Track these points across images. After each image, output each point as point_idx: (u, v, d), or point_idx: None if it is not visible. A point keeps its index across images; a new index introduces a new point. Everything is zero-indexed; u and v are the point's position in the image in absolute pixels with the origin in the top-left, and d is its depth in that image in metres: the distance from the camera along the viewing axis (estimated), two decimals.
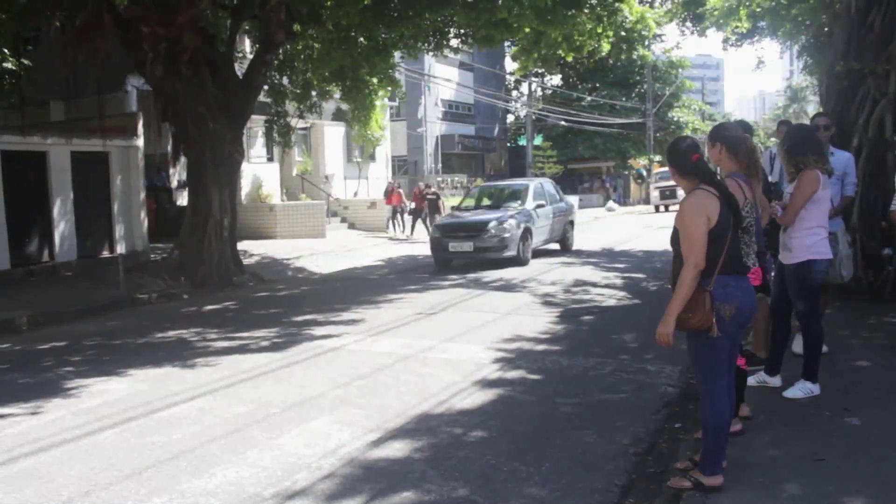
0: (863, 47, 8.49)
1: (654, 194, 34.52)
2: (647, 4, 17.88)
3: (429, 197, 22.13)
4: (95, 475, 4.40)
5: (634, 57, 35.84)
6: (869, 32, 8.48)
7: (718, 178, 3.89)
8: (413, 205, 22.80)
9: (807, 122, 12.45)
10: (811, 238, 4.89)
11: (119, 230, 15.09)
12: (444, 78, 34.52)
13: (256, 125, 19.27)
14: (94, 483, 4.29)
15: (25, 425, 5.41)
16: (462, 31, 16.21)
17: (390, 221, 22.97)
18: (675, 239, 3.78)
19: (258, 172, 21.98)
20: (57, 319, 9.89)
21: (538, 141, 41.06)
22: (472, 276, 12.91)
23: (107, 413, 5.61)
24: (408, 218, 22.89)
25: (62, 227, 13.84)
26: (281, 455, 4.62)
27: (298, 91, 17.06)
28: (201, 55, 12.50)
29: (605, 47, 15.51)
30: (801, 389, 5.02)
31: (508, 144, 47.64)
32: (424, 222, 22.03)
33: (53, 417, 5.57)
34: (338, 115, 20.00)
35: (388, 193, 23.36)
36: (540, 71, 35.00)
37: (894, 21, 8.29)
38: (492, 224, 13.97)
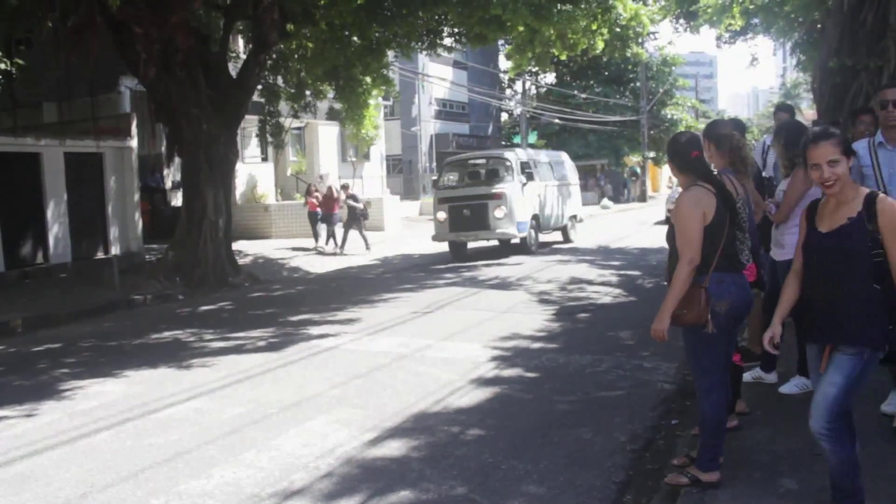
0: (855, 43, 8.52)
1: (440, 216, 15.80)
2: (641, 2, 17.86)
3: (349, 203, 17.37)
4: (92, 477, 4.39)
5: (628, 55, 35.75)
6: (861, 28, 8.50)
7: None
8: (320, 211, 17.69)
9: (801, 118, 12.48)
10: None
11: (114, 231, 15.04)
12: (438, 77, 34.50)
13: (251, 125, 19.24)
14: (91, 485, 4.28)
15: (21, 428, 5.40)
16: (455, 29, 16.21)
17: (314, 230, 18.00)
18: (671, 235, 3.79)
19: (253, 172, 21.95)
20: (52, 321, 9.86)
21: (532, 139, 41.07)
22: (467, 274, 12.91)
23: (103, 415, 5.59)
24: (335, 227, 17.70)
25: (56, 228, 13.79)
26: (278, 455, 4.62)
27: (292, 91, 17.05)
28: (195, 56, 12.47)
29: (600, 45, 15.51)
30: (797, 385, 5.03)
31: (503, 143, 47.65)
32: (331, 232, 17.54)
33: (49, 420, 5.56)
34: (332, 115, 19.99)
35: (307, 196, 18.37)
36: (534, 69, 35.00)
37: (886, 17, 8.31)
38: None
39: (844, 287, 3.07)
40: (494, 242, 16.63)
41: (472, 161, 17.40)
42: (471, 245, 16.79)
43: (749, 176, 4.50)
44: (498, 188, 15.29)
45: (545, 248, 16.86)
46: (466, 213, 15.30)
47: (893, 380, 4.59)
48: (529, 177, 16.00)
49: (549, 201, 16.97)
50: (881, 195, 3.09)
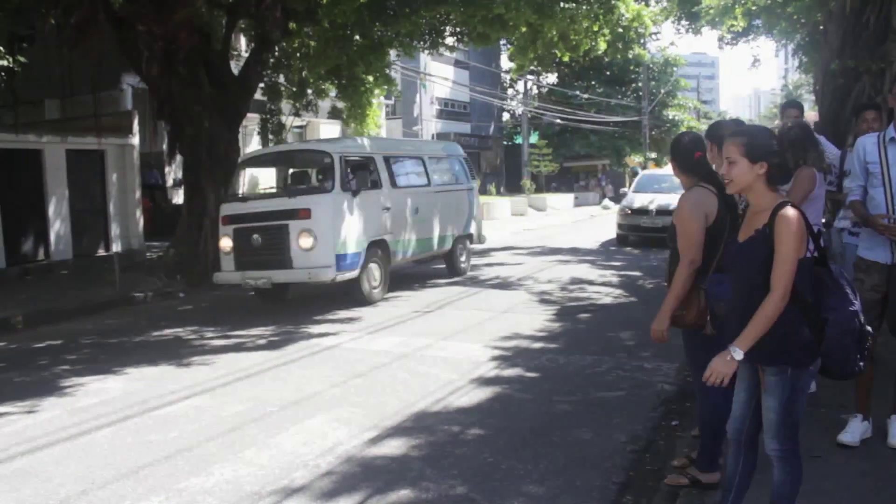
0: (857, 45, 8.54)
1: (224, 245, 10.04)
2: (643, 2, 17.87)
3: None
4: (92, 474, 4.40)
5: (630, 55, 35.78)
6: (864, 30, 8.52)
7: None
8: None
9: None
10: None
11: (115, 229, 15.06)
12: (440, 76, 34.49)
13: (252, 123, 19.22)
14: (91, 482, 4.28)
15: (21, 424, 5.40)
16: (458, 28, 16.23)
17: None
18: (673, 236, 3.80)
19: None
20: (53, 318, 9.86)
21: (534, 139, 41.11)
22: (468, 273, 12.90)
23: (103, 412, 5.60)
24: None
25: (58, 225, 13.81)
26: (278, 453, 4.62)
27: (294, 89, 17.05)
28: (197, 53, 12.47)
29: (602, 46, 15.52)
30: None
31: (504, 143, 47.66)
32: None
33: (50, 416, 5.56)
34: (333, 114, 19.98)
35: None
36: (536, 68, 35.00)
37: (889, 19, 8.32)
38: None
39: (756, 301, 2.85)
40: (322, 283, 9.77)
41: (275, 159, 12.31)
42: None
43: None
44: (304, 202, 9.51)
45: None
46: (256, 241, 9.56)
47: (856, 401, 4.32)
48: (365, 182, 9.93)
49: (415, 217, 11.08)
50: (788, 206, 2.83)
